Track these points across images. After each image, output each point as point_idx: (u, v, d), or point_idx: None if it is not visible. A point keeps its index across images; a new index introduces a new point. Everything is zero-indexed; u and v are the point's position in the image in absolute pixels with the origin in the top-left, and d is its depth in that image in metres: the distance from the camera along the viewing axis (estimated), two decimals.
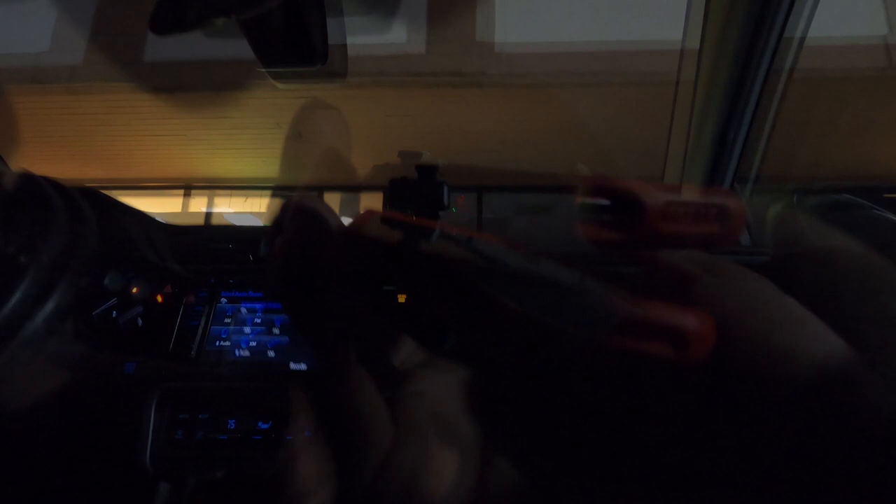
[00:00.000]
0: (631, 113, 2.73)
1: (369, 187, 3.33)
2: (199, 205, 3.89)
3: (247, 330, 0.65)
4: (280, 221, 0.20)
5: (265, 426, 0.58)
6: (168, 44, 2.84)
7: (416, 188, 0.47)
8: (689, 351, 0.14)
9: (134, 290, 0.67)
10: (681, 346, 0.14)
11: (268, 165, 3.51)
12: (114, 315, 0.66)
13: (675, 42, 0.76)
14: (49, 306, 0.49)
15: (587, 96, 2.86)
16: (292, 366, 0.62)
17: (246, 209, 3.74)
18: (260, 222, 3.57)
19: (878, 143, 3.05)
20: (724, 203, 0.15)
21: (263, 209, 3.71)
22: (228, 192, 3.72)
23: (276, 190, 3.59)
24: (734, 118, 0.75)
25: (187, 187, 3.84)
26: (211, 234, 0.71)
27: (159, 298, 0.66)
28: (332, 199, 3.39)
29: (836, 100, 2.73)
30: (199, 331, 0.64)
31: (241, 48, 0.47)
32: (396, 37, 2.87)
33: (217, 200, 3.78)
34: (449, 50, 2.83)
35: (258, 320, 0.65)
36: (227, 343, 0.64)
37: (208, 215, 3.80)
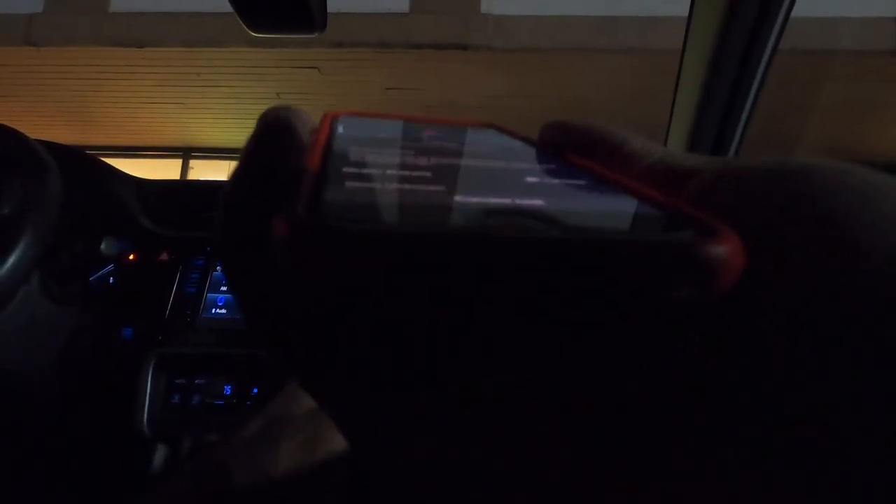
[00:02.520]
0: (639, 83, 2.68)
1: None
2: (197, 173, 3.87)
3: None
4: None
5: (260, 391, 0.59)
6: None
7: None
8: (714, 285, 0.09)
9: (130, 256, 0.68)
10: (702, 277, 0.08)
11: None
12: (111, 281, 0.66)
13: (682, 11, 0.74)
14: (10, 260, 0.47)
15: (590, 65, 2.80)
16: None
17: None
18: None
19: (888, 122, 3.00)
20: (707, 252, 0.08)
21: None
22: (228, 160, 3.69)
23: None
24: (739, 91, 0.74)
25: (186, 155, 3.81)
26: (207, 196, 0.70)
27: (157, 263, 0.67)
28: None
29: (848, 77, 2.68)
30: (196, 297, 0.65)
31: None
32: (399, 5, 2.80)
33: (219, 169, 3.76)
34: (451, 20, 2.77)
35: None
36: (223, 310, 0.65)
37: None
